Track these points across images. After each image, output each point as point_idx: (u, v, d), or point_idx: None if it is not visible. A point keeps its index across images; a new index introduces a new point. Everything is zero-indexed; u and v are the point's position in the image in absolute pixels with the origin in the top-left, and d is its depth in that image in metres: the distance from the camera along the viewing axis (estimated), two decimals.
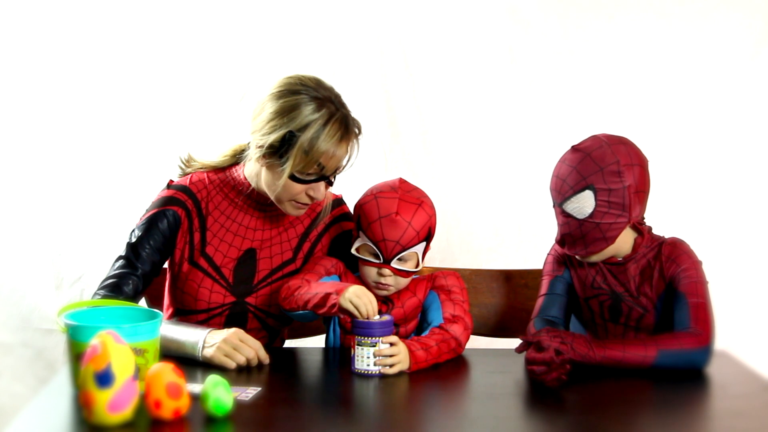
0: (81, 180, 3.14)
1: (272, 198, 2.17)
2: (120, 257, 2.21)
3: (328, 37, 3.16)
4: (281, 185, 2.11)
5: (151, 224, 2.21)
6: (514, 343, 2.56)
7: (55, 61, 3.11)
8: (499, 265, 2.78)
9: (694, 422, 1.76)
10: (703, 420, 1.76)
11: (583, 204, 2.07)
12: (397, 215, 2.09)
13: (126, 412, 1.63)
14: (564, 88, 3.18)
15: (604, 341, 2.01)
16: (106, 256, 3.09)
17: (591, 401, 1.85)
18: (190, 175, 2.28)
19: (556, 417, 1.76)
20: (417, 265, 2.13)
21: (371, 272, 2.13)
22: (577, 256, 2.15)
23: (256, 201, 2.24)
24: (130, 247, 2.20)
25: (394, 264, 2.11)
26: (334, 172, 2.14)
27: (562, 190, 2.10)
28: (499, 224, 3.21)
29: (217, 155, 2.31)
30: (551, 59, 3.18)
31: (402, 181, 2.17)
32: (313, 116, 2.06)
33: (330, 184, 2.17)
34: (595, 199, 2.06)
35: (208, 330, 2.05)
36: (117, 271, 2.18)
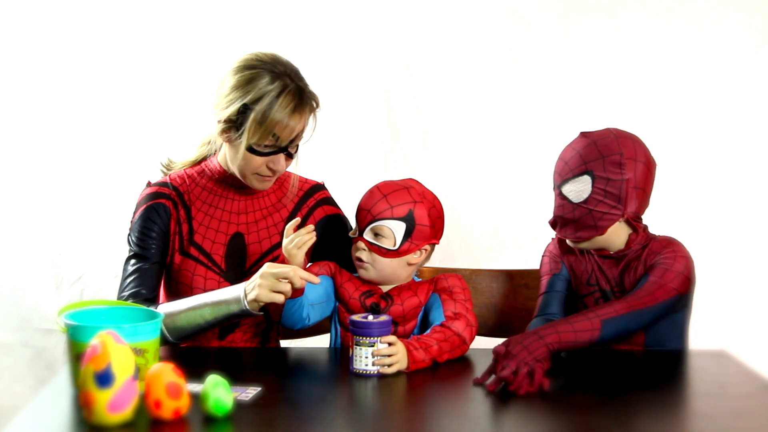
0: (81, 180, 3.14)
1: (237, 173, 2.21)
2: (130, 256, 2.22)
3: (328, 37, 3.16)
4: (240, 158, 2.15)
5: (146, 219, 2.23)
6: None
7: (56, 61, 3.12)
8: (499, 265, 2.79)
9: (695, 422, 1.76)
10: (703, 420, 1.76)
11: (580, 188, 2.09)
12: (376, 188, 2.15)
13: (126, 412, 1.63)
14: (564, 88, 3.18)
15: (551, 325, 1.96)
16: (106, 256, 3.11)
17: (591, 401, 1.84)
18: (168, 175, 2.31)
19: (556, 417, 1.76)
20: (394, 245, 2.13)
21: (353, 250, 2.16)
22: (567, 241, 2.16)
23: (232, 185, 2.27)
24: (135, 243, 2.22)
25: (367, 235, 2.12)
26: (291, 143, 2.16)
27: (563, 172, 2.12)
28: (499, 224, 3.21)
29: (194, 149, 2.35)
30: (551, 59, 3.18)
31: (411, 179, 2.21)
32: (267, 88, 2.11)
33: (290, 156, 2.19)
34: (592, 186, 2.08)
35: (242, 283, 2.08)
36: (133, 268, 2.20)
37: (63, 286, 3.13)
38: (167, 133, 3.13)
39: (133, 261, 2.21)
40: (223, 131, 2.17)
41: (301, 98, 2.14)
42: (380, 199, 2.12)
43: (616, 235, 2.12)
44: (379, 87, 3.18)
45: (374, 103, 3.18)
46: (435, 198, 2.19)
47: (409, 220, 2.13)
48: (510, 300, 2.54)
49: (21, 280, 3.13)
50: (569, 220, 2.12)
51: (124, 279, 2.21)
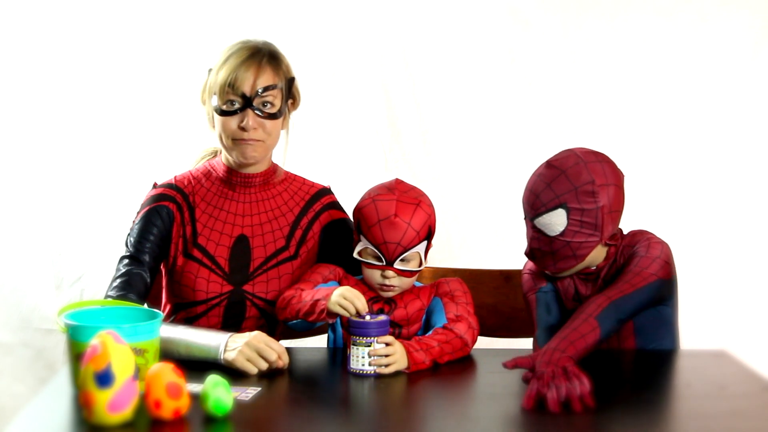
0: (80, 180, 3.14)
1: (225, 151, 2.23)
2: (124, 257, 2.21)
3: (328, 38, 3.16)
4: (218, 127, 2.19)
5: (147, 221, 2.23)
6: (514, 342, 2.57)
7: (55, 61, 3.12)
8: (499, 265, 2.79)
9: (695, 422, 1.76)
10: (703, 420, 1.76)
11: (555, 221, 2.05)
12: (396, 217, 2.08)
13: (126, 412, 1.63)
14: (564, 89, 3.18)
15: (558, 337, 1.91)
16: (106, 256, 3.11)
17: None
18: (174, 176, 2.31)
19: (556, 417, 1.75)
20: (420, 264, 2.13)
21: (375, 275, 2.12)
22: (546, 271, 2.14)
23: (238, 184, 2.27)
24: (132, 245, 2.22)
25: (397, 265, 2.10)
26: (256, 98, 2.16)
27: (535, 206, 2.07)
28: (499, 224, 3.21)
29: (192, 162, 2.37)
30: (551, 59, 3.18)
31: (399, 182, 2.17)
32: (227, 53, 2.20)
33: (260, 115, 2.17)
34: (568, 218, 2.03)
35: (230, 333, 2.03)
36: (124, 269, 2.19)
37: (63, 286, 3.13)
38: (168, 134, 3.13)
39: (126, 261, 2.20)
40: (207, 115, 2.22)
41: (257, 51, 2.19)
42: (407, 229, 2.08)
43: (596, 256, 2.09)
44: (379, 87, 3.18)
45: (374, 103, 3.18)
46: (427, 197, 2.17)
47: (429, 236, 2.14)
48: (510, 300, 2.54)
49: (21, 280, 3.13)
50: (546, 252, 2.08)
51: (114, 278, 2.19)
